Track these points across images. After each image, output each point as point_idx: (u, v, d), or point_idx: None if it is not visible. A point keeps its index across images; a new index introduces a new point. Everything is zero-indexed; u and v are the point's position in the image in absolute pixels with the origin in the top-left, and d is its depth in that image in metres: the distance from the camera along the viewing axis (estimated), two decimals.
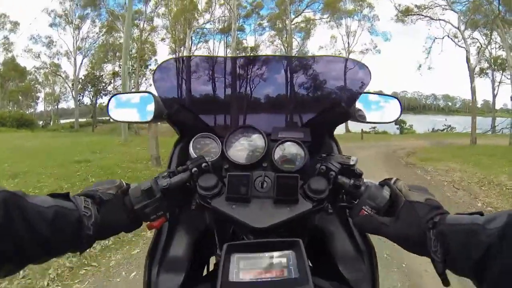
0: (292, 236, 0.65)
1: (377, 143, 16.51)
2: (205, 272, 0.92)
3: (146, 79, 27.90)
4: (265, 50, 27.60)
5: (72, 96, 30.98)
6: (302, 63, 1.00)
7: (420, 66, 22.84)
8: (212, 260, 0.91)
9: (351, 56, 26.46)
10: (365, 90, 0.91)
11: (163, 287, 0.73)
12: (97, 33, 28.87)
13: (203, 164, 0.70)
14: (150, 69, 27.74)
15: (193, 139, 0.83)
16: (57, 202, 0.53)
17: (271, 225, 0.64)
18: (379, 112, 0.93)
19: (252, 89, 0.98)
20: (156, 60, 28.26)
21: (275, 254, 0.56)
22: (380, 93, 0.96)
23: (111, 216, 0.61)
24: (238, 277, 0.52)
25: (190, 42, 24.09)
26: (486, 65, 23.40)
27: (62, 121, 40.01)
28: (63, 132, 26.85)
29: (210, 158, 0.77)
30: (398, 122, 31.64)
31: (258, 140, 0.84)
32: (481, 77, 23.53)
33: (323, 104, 0.97)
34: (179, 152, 0.91)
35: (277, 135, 0.85)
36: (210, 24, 25.27)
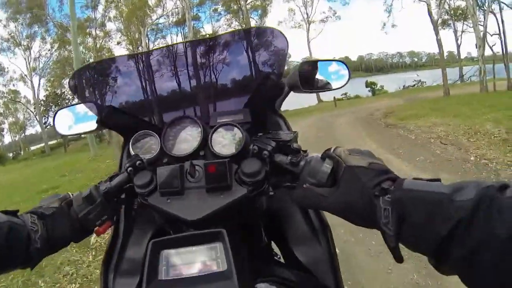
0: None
1: (351, 108, 16.15)
2: None
3: None
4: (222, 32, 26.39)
5: (37, 120, 29.16)
6: (219, 43, 0.93)
7: (384, 24, 22.80)
8: None
9: (312, 26, 25.86)
10: (320, 59, 0.99)
11: None
12: (49, 50, 27.15)
13: (138, 162, 0.68)
14: None
15: (131, 139, 0.79)
16: (9, 218, 0.55)
17: (204, 215, 0.62)
18: (327, 79, 0.87)
19: (181, 80, 0.93)
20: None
21: (204, 247, 0.54)
22: (325, 60, 0.90)
23: (57, 228, 0.61)
24: (168, 275, 0.50)
25: (146, 40, 22.81)
26: (446, 16, 23.42)
27: (32, 148, 38.05)
28: (34, 159, 25.55)
29: (151, 155, 0.74)
30: (369, 84, 31.85)
31: (194, 129, 0.79)
32: (444, 29, 23.59)
33: (253, 80, 0.92)
34: (127, 155, 0.89)
35: (215, 120, 0.81)
36: (164, 18, 23.79)
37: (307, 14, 26.63)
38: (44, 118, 28.94)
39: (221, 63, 0.92)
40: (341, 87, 0.87)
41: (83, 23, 23.79)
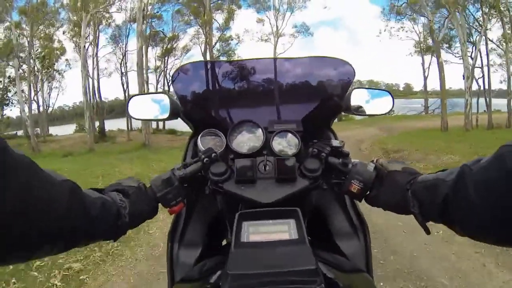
0: None
1: None
2: None
3: (52, 82, 20.67)
4: (182, 36, 20.96)
5: None
6: (296, 63, 1.01)
7: (380, 32, 20.32)
8: (224, 243, 0.97)
9: (281, 39, 21.07)
10: (358, 86, 0.94)
11: (183, 258, 0.83)
12: None
13: (213, 155, 0.72)
14: (56, 70, 20.81)
15: (200, 135, 0.84)
16: (101, 195, 0.56)
17: (275, 200, 0.67)
18: (373, 105, 0.92)
19: (256, 88, 1.02)
20: (67, 60, 20.92)
21: (279, 221, 0.59)
22: (373, 88, 1.00)
23: (138, 206, 0.63)
24: (248, 239, 0.55)
25: (95, 30, 17.18)
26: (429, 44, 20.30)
27: None
28: None
29: (217, 151, 0.78)
30: None
31: (257, 132, 0.86)
32: (426, 54, 20.33)
33: (316, 99, 0.99)
34: (193, 146, 0.92)
35: (272, 127, 0.87)
36: (116, 8, 17.68)
37: (277, 27, 21.32)
38: None
39: (293, 81, 1.00)
40: (385, 113, 0.94)
41: (34, 7, 18.10)
